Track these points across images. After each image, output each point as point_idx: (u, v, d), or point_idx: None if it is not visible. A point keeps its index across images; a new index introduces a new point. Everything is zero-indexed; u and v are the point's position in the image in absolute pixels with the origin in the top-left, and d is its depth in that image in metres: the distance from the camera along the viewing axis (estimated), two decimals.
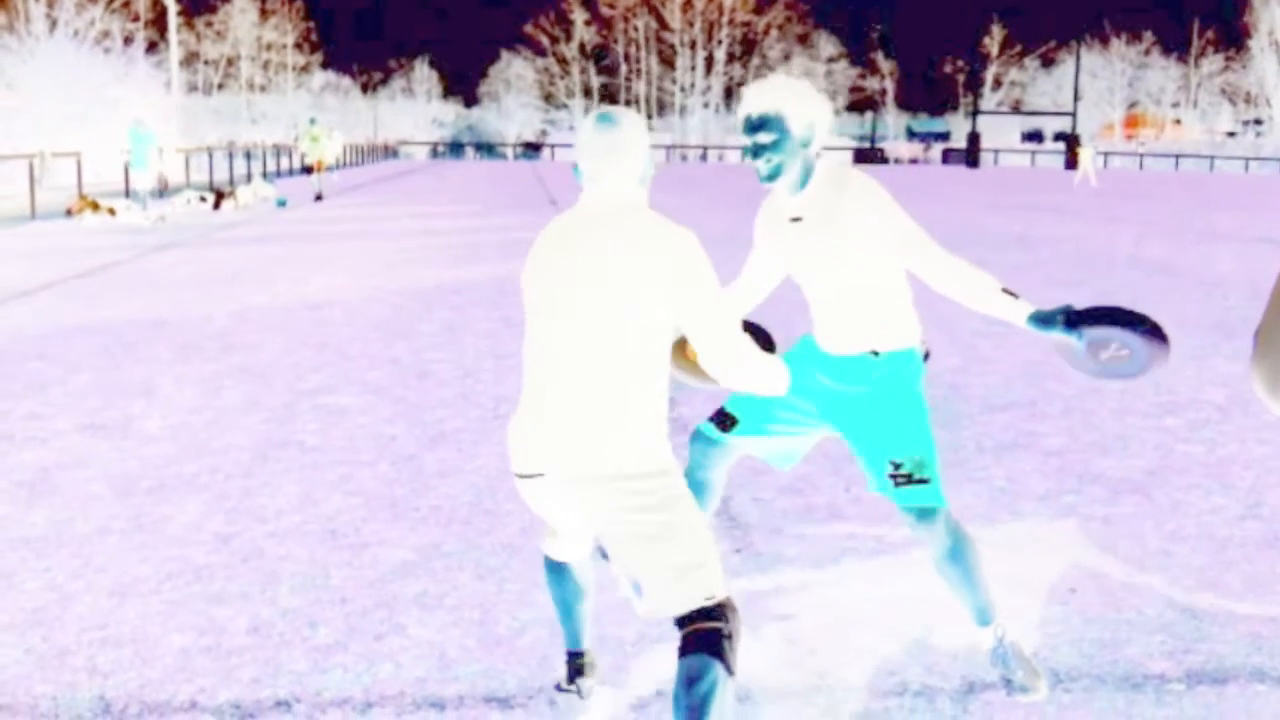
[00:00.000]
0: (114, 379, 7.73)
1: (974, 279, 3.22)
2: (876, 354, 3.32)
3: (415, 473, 5.63)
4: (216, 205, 24.97)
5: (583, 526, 3.00)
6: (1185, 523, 4.99)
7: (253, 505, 5.13)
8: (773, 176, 3.25)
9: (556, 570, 3.18)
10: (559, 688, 3.30)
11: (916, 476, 3.25)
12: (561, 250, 2.83)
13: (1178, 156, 73.77)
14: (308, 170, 28.79)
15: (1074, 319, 3.14)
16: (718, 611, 2.71)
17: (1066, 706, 3.35)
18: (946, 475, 5.62)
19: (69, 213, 21.88)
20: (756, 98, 3.22)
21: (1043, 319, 3.17)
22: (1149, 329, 3.13)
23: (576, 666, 3.28)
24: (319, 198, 27.76)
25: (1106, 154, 46.46)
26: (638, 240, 2.77)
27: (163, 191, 21.74)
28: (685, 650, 2.68)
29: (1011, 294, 3.19)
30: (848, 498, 5.29)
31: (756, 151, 3.23)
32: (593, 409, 2.75)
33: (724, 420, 3.50)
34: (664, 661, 3.58)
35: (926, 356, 3.42)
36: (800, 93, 3.22)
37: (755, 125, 3.22)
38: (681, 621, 2.73)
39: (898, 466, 3.26)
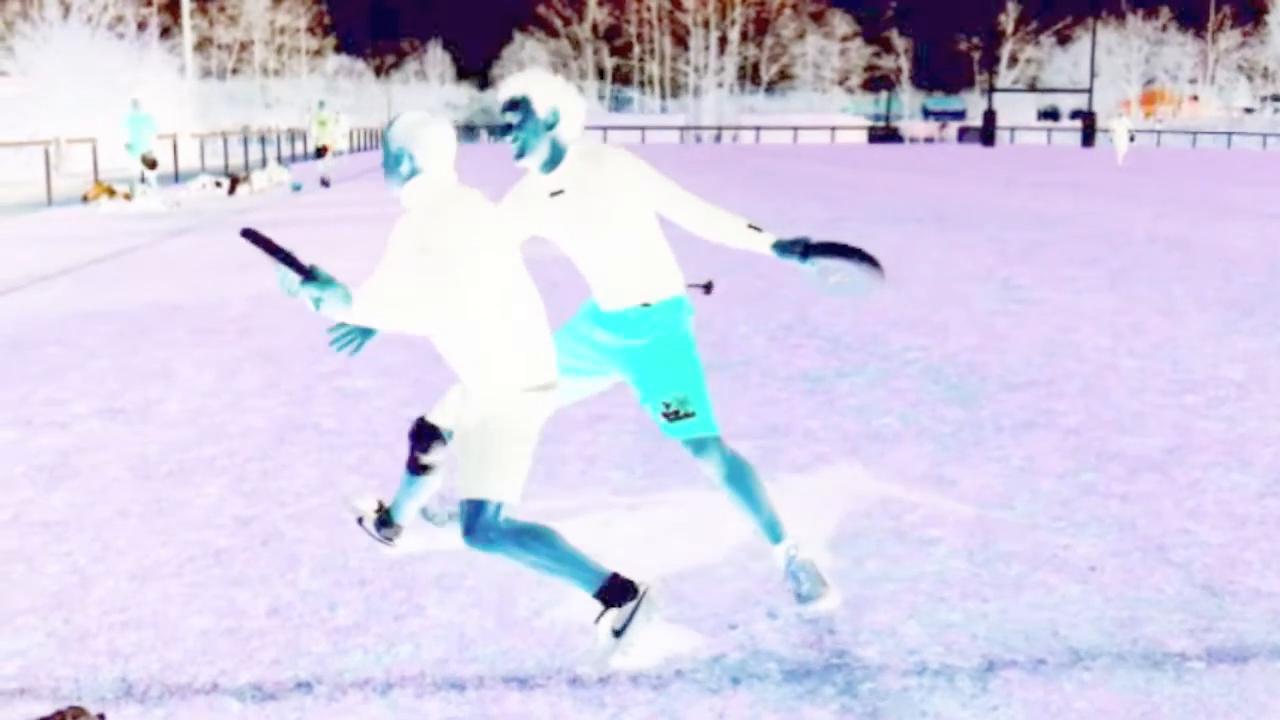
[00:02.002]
0: (132, 363, 7.76)
1: (725, 220, 3.73)
2: (648, 305, 3.73)
3: None
4: (231, 190, 25.01)
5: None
6: (1204, 500, 4.97)
7: (271, 488, 5.15)
8: (520, 153, 3.64)
9: (535, 533, 3.38)
10: (619, 631, 3.40)
11: (683, 412, 3.69)
12: (489, 221, 3.39)
13: (1195, 133, 73.32)
14: (321, 153, 28.45)
15: (807, 250, 3.68)
16: None
17: (1086, 684, 3.35)
18: (966, 454, 5.61)
19: (85, 199, 21.93)
20: (509, 84, 3.65)
21: (783, 247, 3.70)
22: (865, 259, 3.71)
23: (623, 583, 3.42)
24: (327, 184, 27.61)
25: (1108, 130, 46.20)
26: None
27: (145, 177, 21.27)
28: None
29: (756, 229, 3.73)
30: (865, 477, 5.28)
31: (505, 130, 3.63)
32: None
33: None
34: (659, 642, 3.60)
35: (708, 289, 3.90)
36: (546, 81, 3.64)
37: (506, 107, 3.63)
38: None
39: (667, 405, 3.70)
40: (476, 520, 3.34)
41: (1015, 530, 4.60)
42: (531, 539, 3.36)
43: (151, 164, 21.07)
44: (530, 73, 3.67)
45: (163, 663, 3.50)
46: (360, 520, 4.29)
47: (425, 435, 4.02)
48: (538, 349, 3.44)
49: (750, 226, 3.75)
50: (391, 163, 3.40)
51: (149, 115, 21.53)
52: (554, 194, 3.68)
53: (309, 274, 3.18)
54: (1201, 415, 6.36)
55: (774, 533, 3.85)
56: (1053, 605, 3.89)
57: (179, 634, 3.69)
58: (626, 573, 3.48)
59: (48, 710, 3.13)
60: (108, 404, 6.66)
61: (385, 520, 4.26)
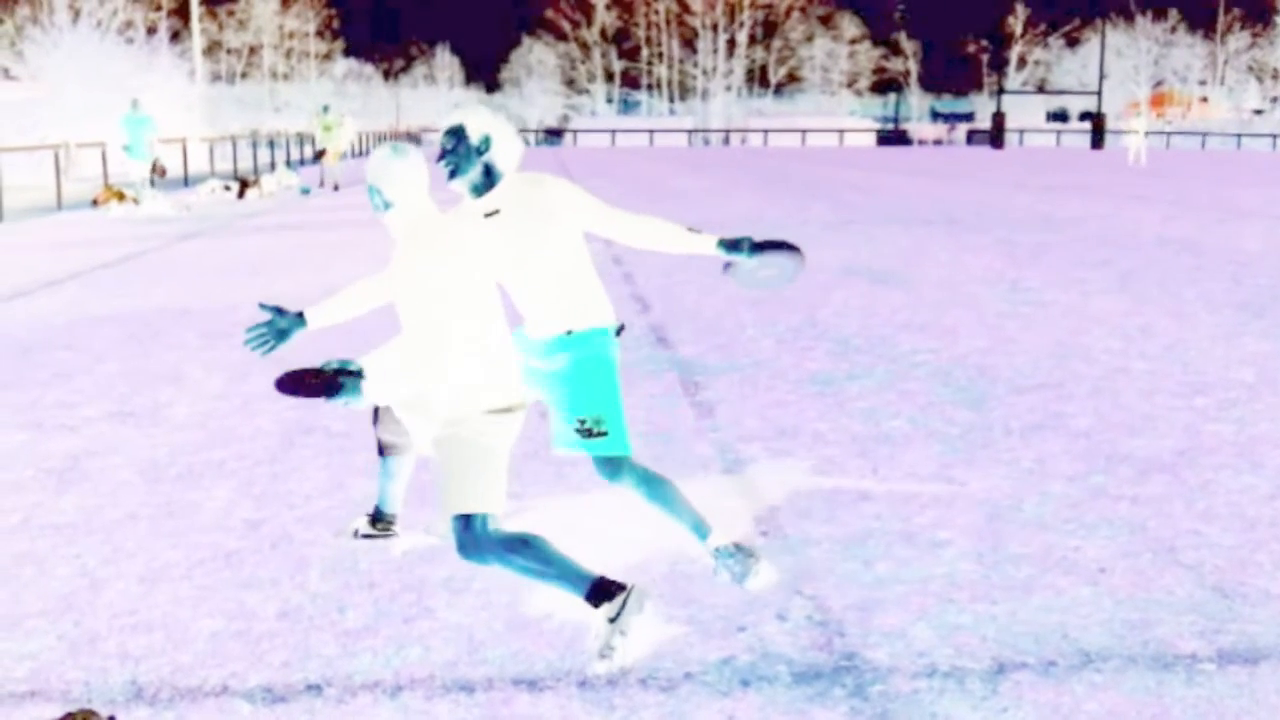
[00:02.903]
0: (141, 367, 7.78)
1: (665, 229, 3.90)
2: (570, 333, 3.84)
3: None
4: (241, 194, 25.09)
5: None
6: (1215, 502, 4.96)
7: (281, 491, 5.16)
8: (452, 175, 3.81)
9: (525, 541, 3.46)
10: (614, 618, 3.42)
11: (596, 430, 3.81)
12: (457, 252, 3.52)
13: (1204, 135, 73.15)
14: (320, 155, 28.35)
15: (754, 246, 3.89)
16: None
17: (1097, 687, 3.34)
18: (975, 457, 5.60)
19: (95, 203, 21.99)
20: (450, 116, 3.88)
21: (730, 244, 3.87)
22: (794, 250, 3.97)
23: (610, 584, 3.46)
24: (336, 187, 27.60)
25: (1125, 132, 46.01)
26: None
27: (153, 180, 21.18)
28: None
29: (697, 231, 3.90)
30: (875, 479, 5.27)
31: (442, 154, 3.81)
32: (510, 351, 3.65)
33: None
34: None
35: (620, 331, 3.96)
36: (481, 114, 3.84)
37: (444, 135, 3.83)
38: None
39: (582, 423, 3.83)
40: (467, 534, 3.45)
41: (1025, 532, 4.59)
42: (522, 546, 3.45)
43: (161, 171, 21.07)
44: (470, 107, 3.89)
45: (173, 665, 3.50)
46: (357, 533, 4.44)
47: (381, 414, 4.19)
48: (504, 372, 3.58)
49: (690, 230, 3.89)
50: (369, 197, 3.63)
51: (148, 117, 21.38)
52: (489, 214, 3.80)
53: (338, 390, 3.53)
54: (1212, 417, 6.35)
55: (700, 532, 4.01)
56: (1063, 607, 3.88)
57: (189, 636, 3.70)
58: (634, 574, 3.49)
59: (58, 713, 3.14)
60: (117, 407, 6.67)
61: (377, 516, 4.40)
